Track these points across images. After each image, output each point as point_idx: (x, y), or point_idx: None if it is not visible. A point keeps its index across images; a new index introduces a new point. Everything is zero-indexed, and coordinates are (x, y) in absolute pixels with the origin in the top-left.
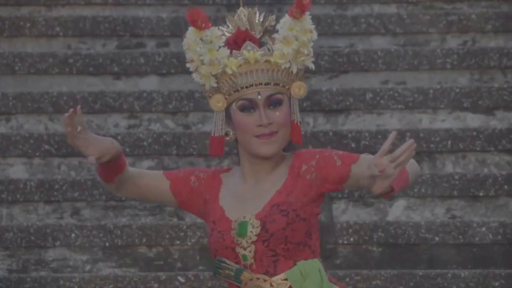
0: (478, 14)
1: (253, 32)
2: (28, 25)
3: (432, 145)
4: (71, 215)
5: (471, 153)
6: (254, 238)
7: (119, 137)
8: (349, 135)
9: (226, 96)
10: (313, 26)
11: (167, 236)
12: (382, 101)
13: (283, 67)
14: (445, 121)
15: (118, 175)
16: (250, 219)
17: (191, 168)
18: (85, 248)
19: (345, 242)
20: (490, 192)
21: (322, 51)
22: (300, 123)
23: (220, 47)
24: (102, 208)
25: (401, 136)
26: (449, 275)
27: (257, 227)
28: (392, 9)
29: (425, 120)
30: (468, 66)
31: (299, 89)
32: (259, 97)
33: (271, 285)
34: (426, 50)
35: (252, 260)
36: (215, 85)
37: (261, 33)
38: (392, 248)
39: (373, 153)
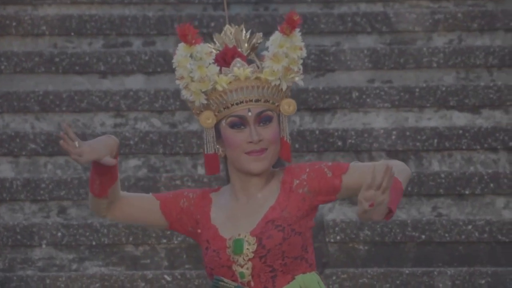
0: (464, 13)
1: (240, 50)
2: (14, 24)
3: (418, 144)
4: (57, 214)
5: (457, 152)
6: (251, 255)
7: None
8: (336, 133)
9: (216, 113)
10: (303, 43)
11: (154, 234)
12: (368, 100)
13: (273, 84)
14: (431, 119)
15: (112, 185)
16: (245, 236)
17: (180, 190)
18: (71, 247)
19: (332, 240)
20: (476, 190)
21: (308, 49)
22: (290, 140)
23: (210, 63)
24: (88, 207)
25: (387, 134)
26: (435, 273)
27: (253, 244)
28: (378, 7)
29: (411, 119)
30: (454, 65)
31: (288, 106)
32: (250, 113)
33: None
34: (412, 49)
35: (250, 277)
36: (205, 102)
37: (248, 51)
38: (379, 246)
39: (359, 152)
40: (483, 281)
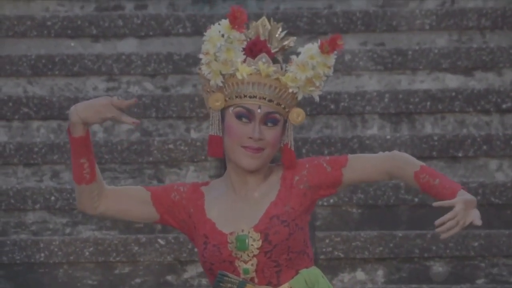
0: None
1: (270, 45)
2: None
3: (411, 106)
4: (50, 178)
5: (450, 114)
6: (256, 252)
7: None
8: (328, 96)
9: (227, 98)
10: (333, 63)
11: None
12: (361, 63)
13: (290, 90)
14: (424, 82)
15: (95, 165)
16: (249, 232)
17: (169, 184)
18: (65, 210)
19: (325, 203)
20: (469, 152)
21: (301, 12)
22: (293, 148)
23: (238, 50)
24: None
25: (380, 97)
26: (429, 236)
27: (258, 240)
28: None
29: (404, 81)
30: (446, 27)
31: (297, 115)
32: (259, 110)
33: None
34: (404, 11)
35: (254, 274)
36: (221, 84)
37: (276, 49)
38: (372, 209)
39: (352, 115)
40: (476, 244)
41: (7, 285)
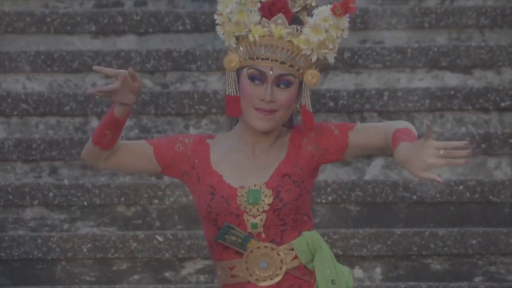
0: None
1: (292, 3)
2: None
3: (410, 104)
4: (49, 174)
5: (448, 112)
6: (266, 207)
7: (97, 97)
8: (327, 94)
9: (241, 59)
10: (348, 25)
11: (146, 195)
12: (360, 60)
13: (303, 52)
14: (423, 80)
15: (119, 137)
16: (260, 187)
17: (175, 136)
18: (63, 207)
19: (323, 201)
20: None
21: None
22: (311, 109)
23: (251, 11)
24: (80, 167)
25: (379, 95)
26: (427, 233)
27: (269, 196)
28: None
29: (403, 79)
30: (446, 25)
31: (312, 77)
32: (271, 72)
33: (278, 254)
34: (404, 9)
35: (262, 229)
36: (234, 45)
37: (299, 8)
38: (370, 207)
39: (351, 112)
40: (474, 241)
41: (5, 281)
